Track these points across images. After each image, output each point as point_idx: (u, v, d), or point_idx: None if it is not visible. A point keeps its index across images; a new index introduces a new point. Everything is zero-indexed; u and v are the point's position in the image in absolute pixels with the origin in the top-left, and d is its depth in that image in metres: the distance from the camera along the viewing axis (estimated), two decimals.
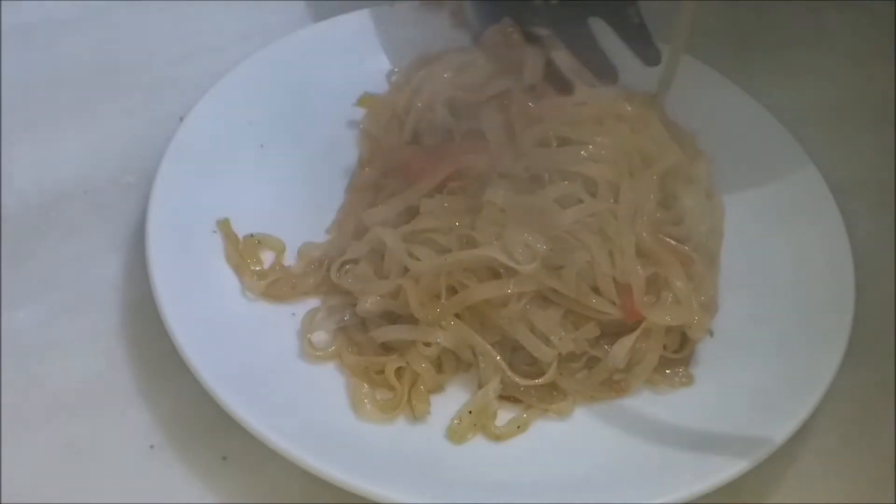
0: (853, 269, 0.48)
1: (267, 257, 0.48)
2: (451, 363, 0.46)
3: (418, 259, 0.45)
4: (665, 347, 0.46)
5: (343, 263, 0.47)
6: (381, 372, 0.44)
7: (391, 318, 0.46)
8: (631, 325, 0.46)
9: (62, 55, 0.58)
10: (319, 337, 0.46)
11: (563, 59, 0.55)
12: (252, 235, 0.48)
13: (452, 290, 0.45)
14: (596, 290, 0.46)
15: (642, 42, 0.57)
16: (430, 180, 0.49)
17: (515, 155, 0.50)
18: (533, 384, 0.44)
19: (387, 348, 0.45)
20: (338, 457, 0.40)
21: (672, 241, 0.48)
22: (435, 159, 0.50)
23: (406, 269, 0.45)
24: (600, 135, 0.50)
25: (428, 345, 0.45)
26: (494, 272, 0.45)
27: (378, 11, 0.58)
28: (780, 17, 0.68)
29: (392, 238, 0.46)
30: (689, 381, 0.46)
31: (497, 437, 0.44)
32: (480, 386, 0.45)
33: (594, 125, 0.51)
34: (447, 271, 0.45)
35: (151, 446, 0.43)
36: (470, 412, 0.44)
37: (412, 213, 0.48)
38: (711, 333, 0.47)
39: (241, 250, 0.47)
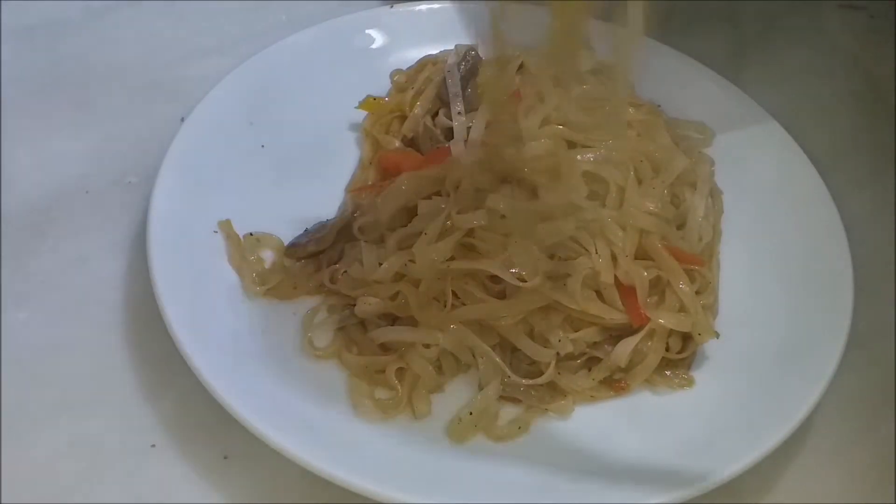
0: (852, 269, 0.48)
1: (266, 256, 0.48)
2: (450, 364, 0.46)
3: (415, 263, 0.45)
4: (668, 348, 0.46)
5: (335, 270, 0.47)
6: (382, 371, 0.44)
7: (390, 317, 0.46)
8: (635, 327, 0.46)
9: (64, 56, 0.58)
10: (320, 336, 0.46)
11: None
12: (252, 234, 0.48)
13: (452, 293, 0.45)
14: (600, 296, 0.46)
15: None
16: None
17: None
18: (532, 384, 0.44)
19: (386, 348, 0.45)
20: (338, 456, 0.40)
21: (676, 245, 0.49)
22: (430, 160, 0.50)
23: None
24: (609, 139, 0.50)
25: (427, 346, 0.45)
26: (495, 278, 0.45)
27: (379, 13, 0.58)
28: (779, 17, 0.68)
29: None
30: (689, 382, 0.46)
31: (499, 438, 0.44)
32: (481, 387, 0.45)
33: (602, 130, 0.51)
34: (449, 277, 0.45)
35: (152, 445, 0.43)
36: (471, 413, 0.44)
37: (412, 213, 0.48)
38: (718, 336, 0.47)
39: (244, 251, 0.47)
